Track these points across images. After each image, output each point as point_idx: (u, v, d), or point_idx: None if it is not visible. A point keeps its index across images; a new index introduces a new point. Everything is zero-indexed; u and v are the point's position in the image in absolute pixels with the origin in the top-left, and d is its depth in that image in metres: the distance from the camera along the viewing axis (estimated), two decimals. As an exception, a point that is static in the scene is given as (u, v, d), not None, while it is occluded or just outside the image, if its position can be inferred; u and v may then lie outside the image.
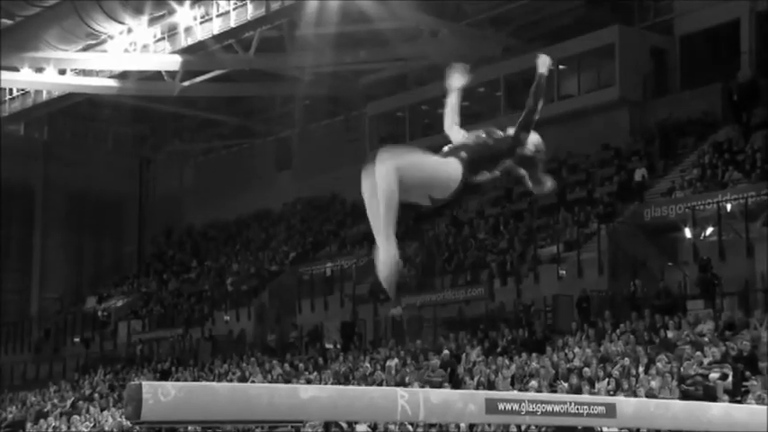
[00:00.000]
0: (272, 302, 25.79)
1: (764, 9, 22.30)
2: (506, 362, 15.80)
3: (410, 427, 13.70)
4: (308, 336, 22.54)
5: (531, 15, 25.39)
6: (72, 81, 27.22)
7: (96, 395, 21.37)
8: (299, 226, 29.88)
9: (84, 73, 26.98)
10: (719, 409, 5.05)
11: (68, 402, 21.40)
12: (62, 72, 26.88)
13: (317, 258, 26.51)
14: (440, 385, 14.74)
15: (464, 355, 16.95)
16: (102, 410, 19.64)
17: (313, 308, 23.97)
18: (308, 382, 17.37)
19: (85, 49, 25.95)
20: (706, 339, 14.07)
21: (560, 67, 24.86)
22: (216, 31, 24.67)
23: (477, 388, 14.23)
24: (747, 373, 12.82)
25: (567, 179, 23.11)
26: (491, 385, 14.61)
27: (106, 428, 17.98)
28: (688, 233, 18.12)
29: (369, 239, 30.29)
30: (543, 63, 4.68)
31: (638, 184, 20.32)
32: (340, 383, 16.64)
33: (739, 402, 11.42)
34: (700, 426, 5.07)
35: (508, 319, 18.20)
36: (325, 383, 16.80)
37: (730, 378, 12.66)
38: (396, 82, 28.94)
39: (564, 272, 18.90)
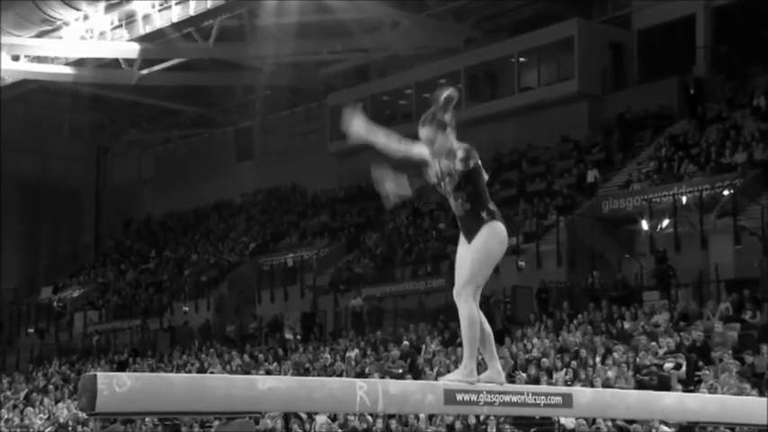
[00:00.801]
0: (231, 293, 25.64)
1: (719, 5, 22.68)
2: (465, 352, 15.87)
3: (370, 418, 13.73)
4: (267, 327, 22.46)
5: (491, 8, 25.51)
6: (26, 67, 26.72)
7: (51, 387, 21.05)
8: (260, 216, 29.73)
9: (39, 59, 26.49)
10: (672, 399, 5.13)
11: (22, 394, 21.04)
12: (15, 58, 26.35)
13: (278, 249, 26.41)
14: (400, 376, 14.80)
15: (424, 345, 17.03)
16: (56, 402, 19.36)
17: (273, 299, 23.89)
18: (268, 372, 17.31)
19: (40, 35, 25.47)
20: (661, 330, 14.30)
21: (521, 59, 25.04)
22: (175, 20, 24.38)
23: (436, 378, 14.29)
24: (700, 363, 13.06)
25: (527, 171, 23.31)
26: (450, 376, 14.67)
27: (61, 420, 17.73)
28: (645, 225, 18.37)
29: (329, 230, 30.10)
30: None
31: (591, 186, 20.43)
32: (300, 374, 16.61)
33: (692, 391, 11.64)
34: (653, 415, 5.15)
35: (468, 310, 18.26)
36: (285, 374, 16.76)
37: (684, 368, 12.89)
38: (357, 73, 28.88)
39: (523, 263, 19.07)
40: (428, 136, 4.38)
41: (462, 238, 4.53)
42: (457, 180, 4.37)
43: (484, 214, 4.42)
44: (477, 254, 4.42)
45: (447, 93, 4.38)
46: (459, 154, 4.35)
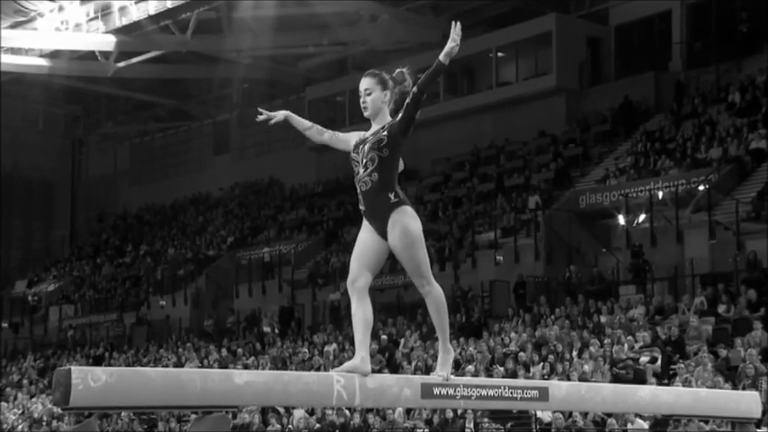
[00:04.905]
0: (208, 287, 25.54)
1: (695, 1, 22.85)
2: (443, 346, 15.91)
3: (347, 412, 13.74)
4: (245, 321, 22.40)
5: (470, 2, 25.54)
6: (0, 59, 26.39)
7: (25, 381, 20.88)
8: (237, 210, 29.61)
9: (13, 51, 26.18)
10: (646, 392, 5.18)
11: (-4, 389, 20.87)
12: (-11, 50, 26.04)
13: (255, 243, 26.33)
14: (378, 371, 14.81)
15: (402, 340, 17.05)
16: (31, 397, 19.21)
17: (251, 293, 23.82)
18: (246, 367, 17.27)
19: (14, 26, 25.16)
20: (637, 324, 14.42)
21: (499, 54, 25.11)
22: (152, 12, 24.16)
23: (414, 373, 14.32)
24: (675, 357, 13.18)
25: (505, 166, 23.39)
26: (428, 370, 14.73)
27: (35, 415, 17.59)
28: (621, 220, 18.50)
29: (307, 224, 29.95)
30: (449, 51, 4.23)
31: (532, 212, 20.16)
32: (278, 368, 16.58)
33: (667, 385, 11.74)
34: (627, 408, 5.19)
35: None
36: (263, 368, 16.73)
37: (659, 362, 13.00)
38: (335, 66, 28.81)
39: (501, 258, 19.13)
40: (369, 84, 4.44)
41: (367, 225, 4.41)
42: (379, 150, 4.32)
43: (392, 196, 4.36)
44: (413, 248, 4.34)
45: (408, 77, 4.46)
46: (394, 124, 4.36)
